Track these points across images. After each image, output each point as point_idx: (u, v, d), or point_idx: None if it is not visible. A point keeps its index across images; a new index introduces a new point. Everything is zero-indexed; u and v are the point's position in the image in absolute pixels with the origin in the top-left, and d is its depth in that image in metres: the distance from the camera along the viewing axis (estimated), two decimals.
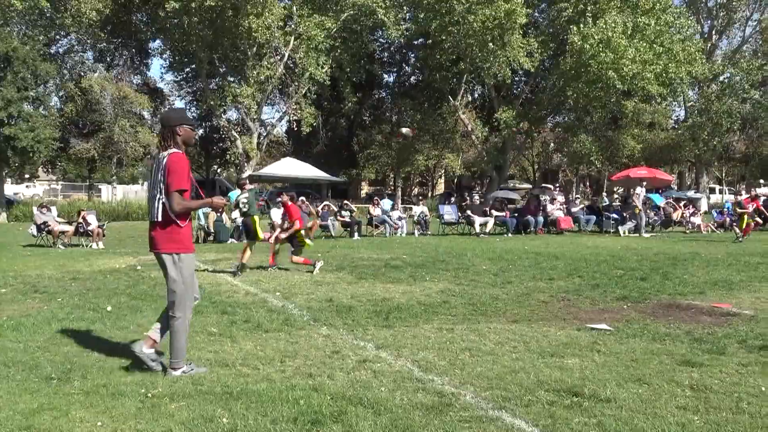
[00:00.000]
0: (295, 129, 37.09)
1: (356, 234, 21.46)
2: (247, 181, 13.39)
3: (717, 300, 9.19)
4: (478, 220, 22.22)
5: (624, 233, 22.38)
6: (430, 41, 35.85)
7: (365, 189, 56.23)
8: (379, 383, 5.29)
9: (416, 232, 22.95)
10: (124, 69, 41.93)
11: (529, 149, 48.05)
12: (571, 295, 9.67)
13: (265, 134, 38.52)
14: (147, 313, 8.21)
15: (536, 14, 38.72)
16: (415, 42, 39.79)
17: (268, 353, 6.25)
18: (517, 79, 40.79)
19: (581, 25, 31.87)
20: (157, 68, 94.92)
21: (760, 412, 4.61)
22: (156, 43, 40.80)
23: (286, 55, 34.56)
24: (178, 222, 5.47)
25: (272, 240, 12.97)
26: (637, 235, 22.12)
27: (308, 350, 6.37)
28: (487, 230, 22.17)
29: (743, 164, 52.36)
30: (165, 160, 5.43)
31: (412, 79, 44.14)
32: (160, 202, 5.41)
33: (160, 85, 46.08)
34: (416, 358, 6.11)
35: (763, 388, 5.15)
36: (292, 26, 34.18)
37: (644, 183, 24.23)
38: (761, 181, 31.92)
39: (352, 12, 34.55)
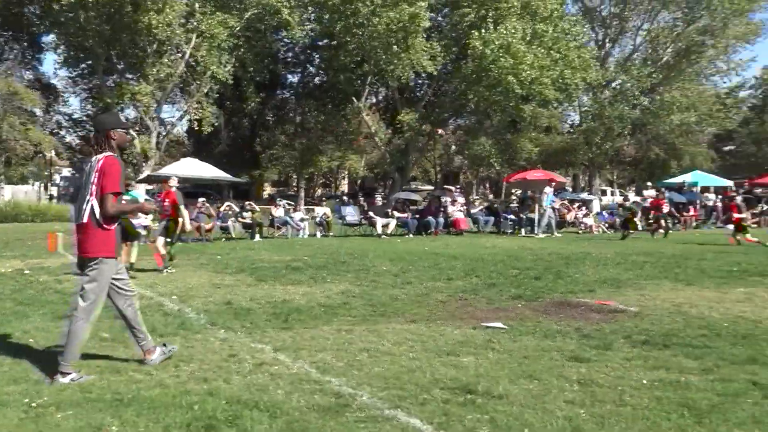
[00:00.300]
0: (196, 129, 36.33)
1: (257, 235, 21.23)
2: (133, 182, 13.17)
3: (605, 297, 9.58)
4: (380, 221, 22.38)
5: (539, 234, 22.93)
6: (335, 42, 35.88)
7: (268, 190, 55.71)
8: (276, 386, 5.26)
9: (318, 233, 22.91)
10: (14, 64, 40.03)
11: (431, 151, 48.75)
12: (468, 294, 9.87)
13: (164, 134, 37.58)
14: (34, 318, 7.88)
15: (439, 18, 39.34)
16: (320, 43, 39.75)
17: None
18: (420, 81, 41.34)
19: (482, 31, 32.59)
20: (50, 63, 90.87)
21: (641, 404, 4.84)
22: (50, 38, 39.11)
23: (188, 53, 33.85)
24: (105, 225, 5.44)
25: (158, 243, 12.69)
26: (536, 235, 22.79)
27: (204, 354, 6.27)
28: (389, 231, 22.36)
29: (633, 167, 54.73)
30: (100, 162, 5.42)
31: (316, 79, 44.02)
32: (89, 204, 5.38)
33: (53, 81, 44.19)
34: (314, 359, 6.10)
35: (645, 381, 5.41)
36: (194, 23, 33.50)
37: (553, 184, 24.94)
38: (648, 183, 33.54)
39: (256, 11, 34.20)
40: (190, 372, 5.68)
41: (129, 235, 12.22)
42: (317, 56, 41.93)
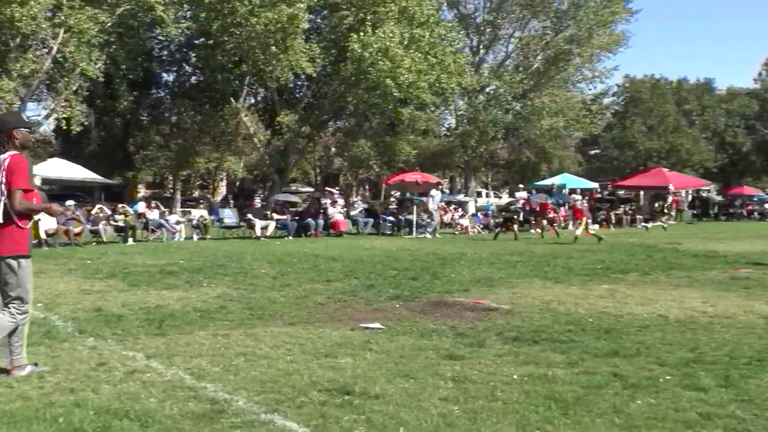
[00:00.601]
0: (64, 128, 34.65)
1: (130, 239, 20.50)
2: None
3: (480, 296, 9.88)
4: (258, 223, 22.14)
5: (427, 236, 23.23)
6: (212, 41, 35.11)
7: (142, 192, 53.87)
8: (149, 394, 5.10)
9: (195, 236, 22.39)
10: None
11: (311, 153, 48.64)
12: (347, 296, 9.93)
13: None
14: None
15: (318, 20, 39.29)
16: (196, 41, 38.77)
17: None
18: (299, 83, 41.15)
19: (361, 34, 32.83)
20: None
21: (512, 399, 5.02)
22: None
23: (55, 48, 32.23)
24: (19, 224, 5.45)
25: None
26: (425, 236, 23.16)
27: (71, 364, 5.99)
28: (268, 233, 22.16)
29: (506, 170, 56.59)
30: (7, 161, 5.41)
31: (192, 79, 42.89)
32: (2, 202, 5.37)
33: None
34: (189, 365, 5.96)
35: (515, 376, 5.62)
36: (62, 18, 31.91)
37: (440, 186, 25.37)
38: (520, 186, 34.89)
39: (128, 6, 32.95)
40: (56, 383, 5.41)
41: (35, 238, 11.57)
42: (194, 55, 40.88)
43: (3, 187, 5.37)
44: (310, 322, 7.98)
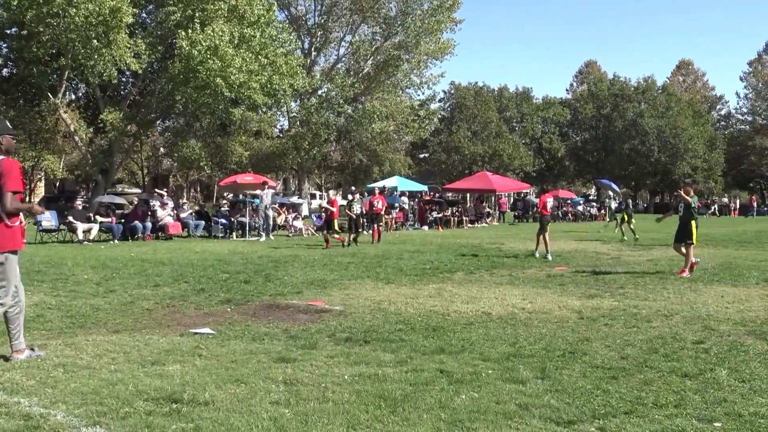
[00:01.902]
0: None
1: None
2: None
3: (312, 298, 9.92)
4: (81, 226, 20.97)
5: (262, 238, 22.78)
6: (26, 32, 32.81)
7: None
8: None
9: None
10: None
11: (138, 153, 46.73)
12: (176, 301, 9.64)
13: None
14: None
15: (144, 15, 37.76)
16: (8, 31, 36.06)
17: None
18: (124, 80, 39.31)
19: (189, 31, 31.93)
20: None
21: (342, 399, 5.09)
22: None
23: None
24: (8, 222, 5.91)
25: None
26: (258, 239, 22.81)
27: None
28: (92, 237, 21.04)
29: (339, 172, 57.13)
30: None
31: (4, 71, 39.84)
32: None
33: None
34: (0, 380, 5.55)
35: (346, 377, 5.69)
36: None
37: (267, 185, 24.96)
38: (353, 188, 35.32)
39: None
40: None
41: None
42: (5, 45, 38.01)
43: None
44: (136, 329, 7.68)
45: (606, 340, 7.20)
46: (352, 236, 20.31)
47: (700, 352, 6.68)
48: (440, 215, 33.04)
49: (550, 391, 5.36)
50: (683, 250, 13.33)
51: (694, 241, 13.31)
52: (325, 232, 20.36)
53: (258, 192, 24.16)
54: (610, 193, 37.40)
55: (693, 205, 13.42)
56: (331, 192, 25.12)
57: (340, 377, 5.69)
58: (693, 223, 13.29)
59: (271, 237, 23.55)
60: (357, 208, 20.69)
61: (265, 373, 5.81)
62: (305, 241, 22.80)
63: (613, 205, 33.36)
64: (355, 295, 10.24)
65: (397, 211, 31.71)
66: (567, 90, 79.66)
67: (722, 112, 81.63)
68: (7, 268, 6.00)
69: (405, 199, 35.58)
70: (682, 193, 13.71)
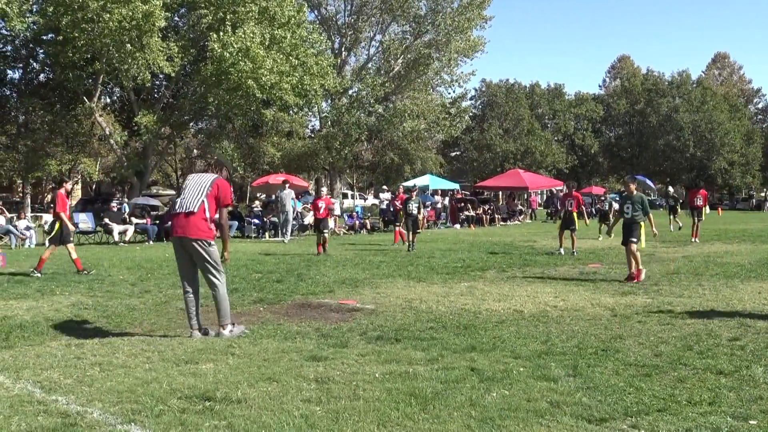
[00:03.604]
0: None
1: None
2: None
3: (344, 297, 9.96)
4: (116, 228, 21.29)
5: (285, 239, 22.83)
6: (61, 37, 33.38)
7: None
8: None
9: (47, 242, 21.18)
10: None
11: (172, 155, 47.27)
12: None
13: None
14: None
15: (176, 18, 38.21)
16: (45, 37, 36.72)
17: None
18: (157, 83, 39.83)
19: (221, 33, 32.23)
20: None
21: (373, 396, 5.11)
22: None
23: None
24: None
25: None
26: (284, 240, 22.91)
27: None
28: (127, 238, 21.35)
29: (371, 171, 57.25)
30: None
31: (41, 76, 40.57)
32: None
33: None
34: (39, 378, 5.67)
35: (377, 375, 5.71)
36: None
37: (288, 185, 24.99)
38: (384, 186, 35.25)
39: None
40: None
41: None
42: (41, 51, 38.71)
43: None
44: (170, 329, 7.79)
45: (639, 338, 7.13)
46: (410, 237, 18.39)
47: (736, 349, 6.59)
48: (473, 213, 32.94)
49: (582, 388, 5.33)
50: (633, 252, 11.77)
51: (642, 244, 12.07)
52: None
53: (279, 192, 24.18)
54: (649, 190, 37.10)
55: (640, 202, 11.85)
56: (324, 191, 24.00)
57: (371, 375, 5.71)
58: (642, 223, 11.94)
59: (300, 236, 23.56)
60: (414, 207, 18.64)
61: (296, 371, 5.85)
62: (337, 240, 22.87)
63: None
64: (387, 294, 10.27)
65: (429, 209, 31.67)
66: (600, 86, 78.93)
67: (759, 106, 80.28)
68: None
69: (437, 197, 35.51)
70: (632, 188, 12.19)
